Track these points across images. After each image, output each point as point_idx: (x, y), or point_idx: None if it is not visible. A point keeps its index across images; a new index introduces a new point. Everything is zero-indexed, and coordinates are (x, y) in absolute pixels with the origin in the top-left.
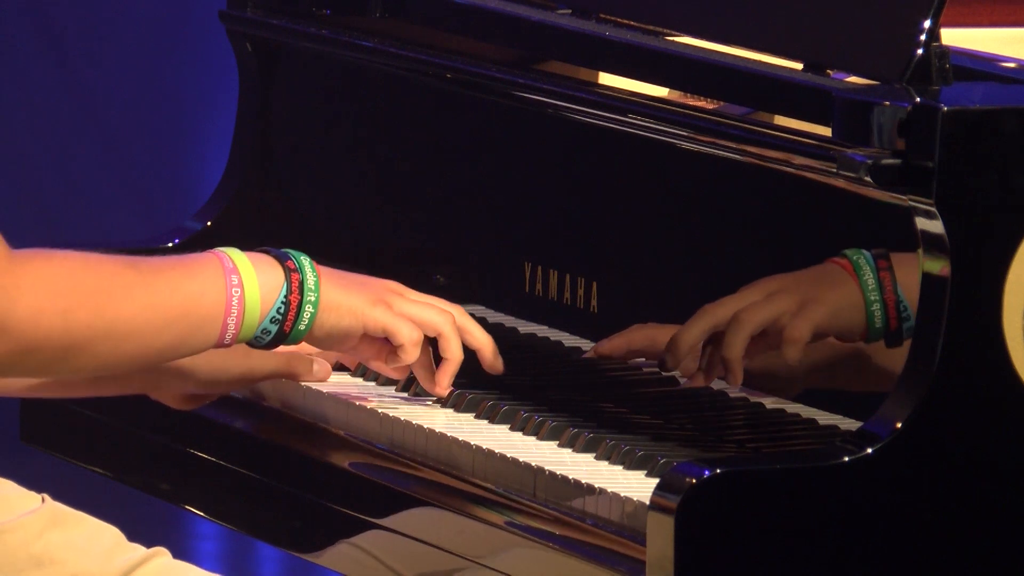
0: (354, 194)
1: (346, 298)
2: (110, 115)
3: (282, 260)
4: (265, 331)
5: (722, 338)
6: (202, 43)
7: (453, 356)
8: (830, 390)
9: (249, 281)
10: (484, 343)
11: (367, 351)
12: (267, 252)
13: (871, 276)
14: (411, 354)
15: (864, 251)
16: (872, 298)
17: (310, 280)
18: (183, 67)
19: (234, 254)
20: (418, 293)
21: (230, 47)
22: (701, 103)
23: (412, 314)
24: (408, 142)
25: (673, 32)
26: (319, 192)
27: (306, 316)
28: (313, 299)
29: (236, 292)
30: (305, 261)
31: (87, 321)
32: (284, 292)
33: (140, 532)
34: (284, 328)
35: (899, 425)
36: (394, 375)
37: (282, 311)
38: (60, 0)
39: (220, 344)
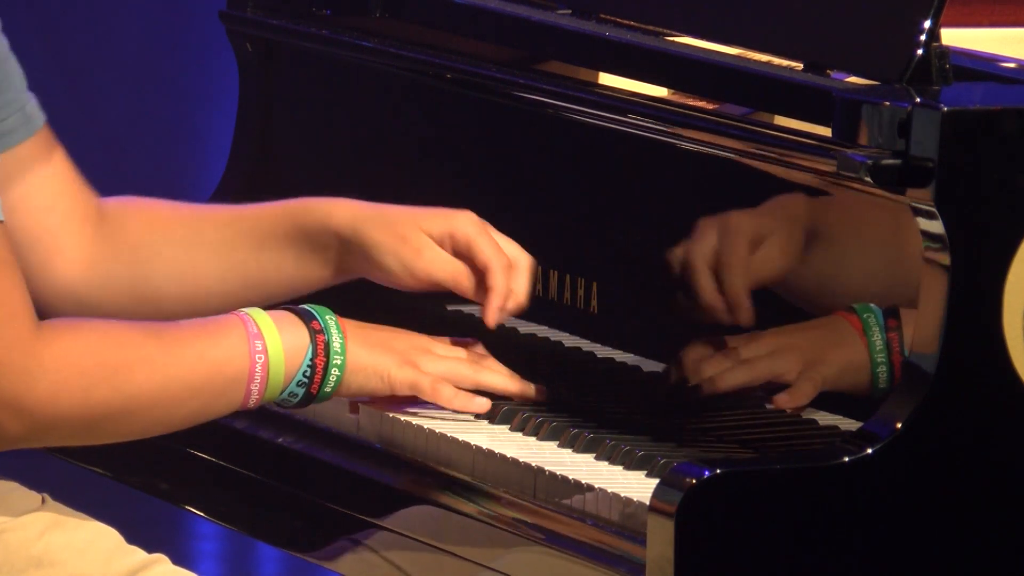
0: (354, 194)
1: (372, 359)
2: (110, 115)
3: (307, 320)
4: (292, 394)
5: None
6: (202, 43)
7: (499, 390)
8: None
9: (273, 345)
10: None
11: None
12: (291, 311)
13: (879, 337)
14: (453, 405)
15: (874, 308)
16: (879, 359)
17: (336, 342)
18: (183, 67)
19: (258, 316)
20: (444, 346)
21: (230, 47)
22: (701, 103)
23: (440, 372)
24: (408, 142)
25: (673, 32)
26: (319, 192)
27: (332, 379)
28: (340, 362)
29: (260, 358)
30: (331, 321)
31: (106, 398)
32: (310, 355)
33: (140, 532)
34: (311, 390)
35: (899, 425)
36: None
37: (308, 374)
38: (60, 0)
39: (243, 407)
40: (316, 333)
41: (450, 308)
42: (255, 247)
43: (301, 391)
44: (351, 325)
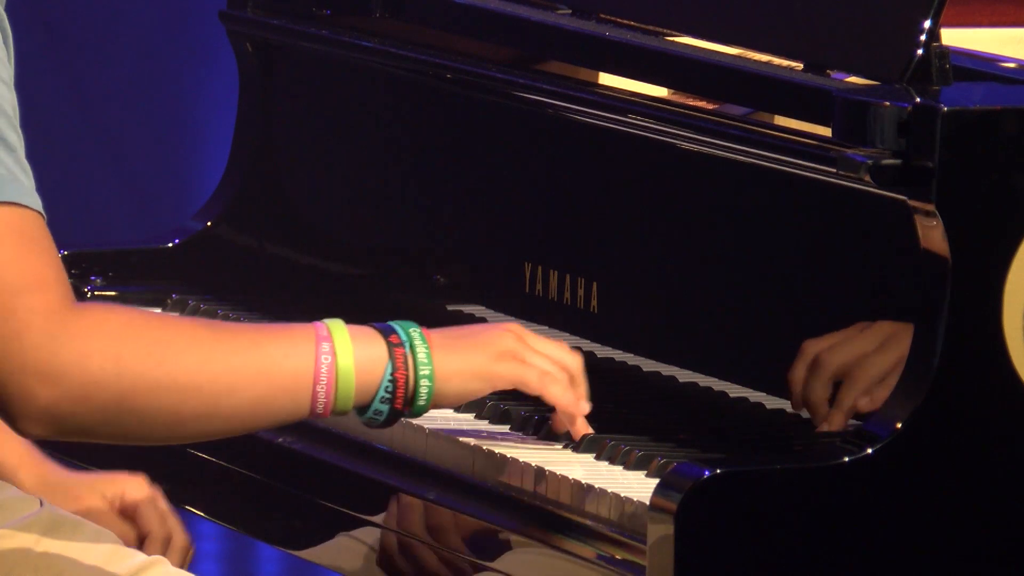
0: (354, 194)
1: (465, 362)
2: (110, 115)
3: (385, 334)
4: (377, 411)
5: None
6: (202, 43)
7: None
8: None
9: (343, 350)
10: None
11: None
12: (372, 326)
13: None
14: (559, 401)
15: None
16: None
17: (420, 353)
18: (183, 67)
19: (333, 325)
20: (537, 337)
21: (230, 47)
22: (701, 103)
23: (542, 362)
24: (408, 142)
25: (673, 32)
26: (319, 192)
27: (423, 391)
28: (428, 372)
29: (326, 359)
30: (415, 333)
31: (141, 369)
32: (390, 369)
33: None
34: (396, 406)
35: (899, 425)
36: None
37: (390, 389)
38: (60, 0)
39: (314, 414)
40: (395, 346)
41: (450, 308)
42: None
43: (386, 408)
44: (436, 334)
